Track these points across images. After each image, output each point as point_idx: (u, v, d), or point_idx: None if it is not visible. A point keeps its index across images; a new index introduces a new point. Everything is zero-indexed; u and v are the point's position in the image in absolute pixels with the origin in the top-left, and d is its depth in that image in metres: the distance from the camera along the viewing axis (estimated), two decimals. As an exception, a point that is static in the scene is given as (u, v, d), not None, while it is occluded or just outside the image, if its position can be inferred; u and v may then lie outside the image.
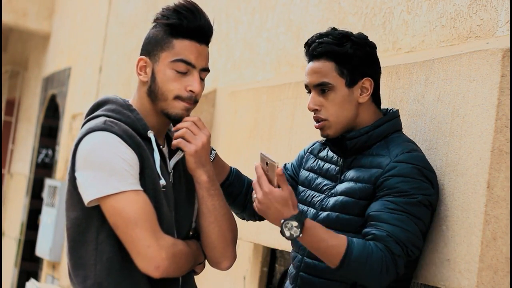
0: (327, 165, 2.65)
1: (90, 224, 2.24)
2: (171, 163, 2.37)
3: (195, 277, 2.45)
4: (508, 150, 2.39)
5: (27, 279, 8.02)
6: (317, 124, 2.57)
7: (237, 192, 2.71)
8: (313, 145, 2.78)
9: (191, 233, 2.43)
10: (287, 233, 2.29)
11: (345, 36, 2.54)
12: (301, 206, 2.63)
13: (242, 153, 4.08)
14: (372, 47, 2.58)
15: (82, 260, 2.25)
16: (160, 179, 2.28)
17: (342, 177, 2.58)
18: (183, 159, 2.38)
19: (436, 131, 2.63)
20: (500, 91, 2.39)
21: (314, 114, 2.57)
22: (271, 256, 4.17)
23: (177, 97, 2.30)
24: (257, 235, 3.74)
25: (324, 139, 2.64)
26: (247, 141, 4.07)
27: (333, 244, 2.32)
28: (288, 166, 2.82)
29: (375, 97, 2.60)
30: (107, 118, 2.27)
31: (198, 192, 2.36)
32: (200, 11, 2.31)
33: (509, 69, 2.39)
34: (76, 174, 2.24)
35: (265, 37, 4.44)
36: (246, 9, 4.74)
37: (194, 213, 2.42)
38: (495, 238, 2.38)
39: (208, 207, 2.35)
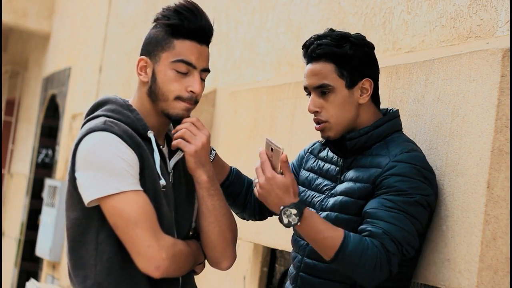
0: (327, 166, 2.64)
1: (90, 224, 2.24)
2: (171, 163, 2.37)
3: (195, 277, 2.45)
4: (508, 150, 2.39)
5: (27, 279, 8.01)
6: (318, 126, 2.56)
7: (237, 192, 2.71)
8: (313, 145, 2.77)
9: (191, 233, 2.44)
10: (285, 220, 2.30)
11: (344, 37, 2.53)
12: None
13: (242, 153, 4.07)
14: (371, 47, 2.58)
15: (82, 260, 2.25)
16: (160, 179, 2.28)
17: (342, 177, 2.58)
18: (183, 159, 2.37)
19: (436, 131, 2.63)
20: (500, 91, 2.39)
21: (315, 116, 2.56)
22: (271, 256, 4.17)
23: (178, 98, 2.30)
24: (257, 235, 3.74)
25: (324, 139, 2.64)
26: (247, 141, 4.07)
27: (329, 235, 2.32)
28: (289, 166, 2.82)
29: (375, 97, 2.60)
30: (107, 118, 2.27)
31: (198, 192, 2.36)
32: (200, 11, 2.31)
33: (509, 69, 2.39)
34: (76, 174, 2.24)
35: (265, 37, 4.44)
36: (246, 9, 4.74)
37: (194, 213, 2.42)
38: (495, 238, 2.38)
39: (208, 207, 2.35)
